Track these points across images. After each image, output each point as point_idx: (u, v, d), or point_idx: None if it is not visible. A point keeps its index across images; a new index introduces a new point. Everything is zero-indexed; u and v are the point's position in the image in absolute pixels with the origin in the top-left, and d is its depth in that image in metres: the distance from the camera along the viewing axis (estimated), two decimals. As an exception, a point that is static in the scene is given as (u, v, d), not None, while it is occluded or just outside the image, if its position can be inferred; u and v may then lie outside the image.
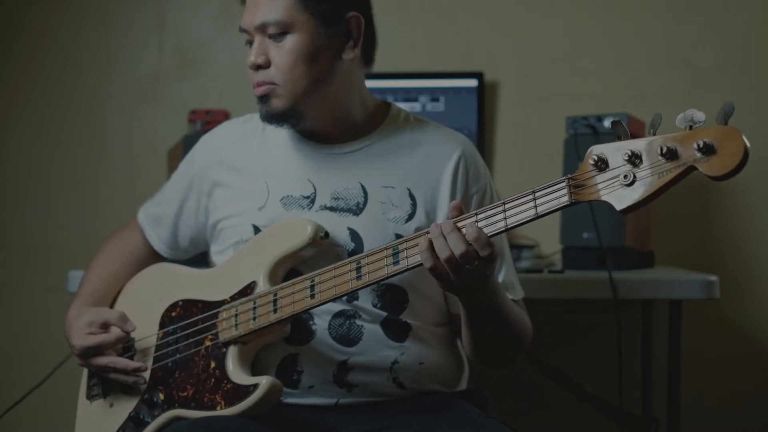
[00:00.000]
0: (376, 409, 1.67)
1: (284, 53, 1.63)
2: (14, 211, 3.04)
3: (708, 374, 2.85)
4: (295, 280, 1.60)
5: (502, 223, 1.42)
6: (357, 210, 1.69)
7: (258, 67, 1.65)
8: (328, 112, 1.69)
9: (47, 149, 3.03)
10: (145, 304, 1.81)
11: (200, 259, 2.07)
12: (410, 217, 1.69)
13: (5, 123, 3.05)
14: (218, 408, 1.61)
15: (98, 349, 1.73)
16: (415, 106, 2.79)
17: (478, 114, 2.82)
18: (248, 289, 1.66)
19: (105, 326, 1.75)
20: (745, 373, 2.86)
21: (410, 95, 2.81)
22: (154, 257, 1.93)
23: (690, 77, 2.86)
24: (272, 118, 1.67)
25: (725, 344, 2.86)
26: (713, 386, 2.86)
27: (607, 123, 2.41)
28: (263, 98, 1.67)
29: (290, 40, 1.63)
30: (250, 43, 1.68)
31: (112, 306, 1.86)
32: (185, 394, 1.67)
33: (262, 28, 1.64)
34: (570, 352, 2.83)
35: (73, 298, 1.84)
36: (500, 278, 1.71)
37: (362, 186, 1.70)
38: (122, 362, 1.73)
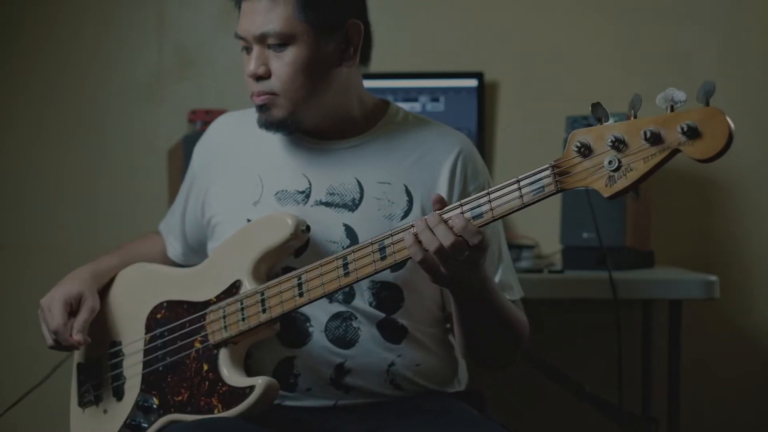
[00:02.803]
0: (375, 410, 1.66)
1: (285, 64, 1.62)
2: (14, 211, 3.04)
3: (708, 374, 2.85)
4: (281, 278, 1.59)
5: (489, 214, 1.41)
6: (353, 206, 1.68)
7: (258, 77, 1.64)
8: (326, 114, 1.69)
9: (47, 149, 3.03)
10: (128, 306, 1.79)
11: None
12: (406, 213, 1.68)
13: (5, 123, 3.05)
14: (216, 411, 1.60)
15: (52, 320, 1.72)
16: (415, 106, 2.79)
17: (478, 114, 2.82)
18: (234, 288, 1.64)
19: (76, 308, 1.74)
20: (745, 373, 2.86)
21: (410, 95, 2.81)
22: (172, 263, 1.93)
23: (690, 77, 2.86)
24: (270, 125, 1.67)
25: (725, 344, 2.86)
26: (713, 386, 2.86)
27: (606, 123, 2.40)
28: (262, 107, 1.66)
29: (291, 52, 1.62)
30: (246, 48, 1.67)
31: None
32: (180, 398, 1.66)
33: (261, 39, 1.63)
34: (570, 352, 2.83)
35: (92, 258, 1.85)
36: (497, 278, 1.70)
37: (358, 181, 1.69)
38: (69, 340, 1.70)
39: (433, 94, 2.81)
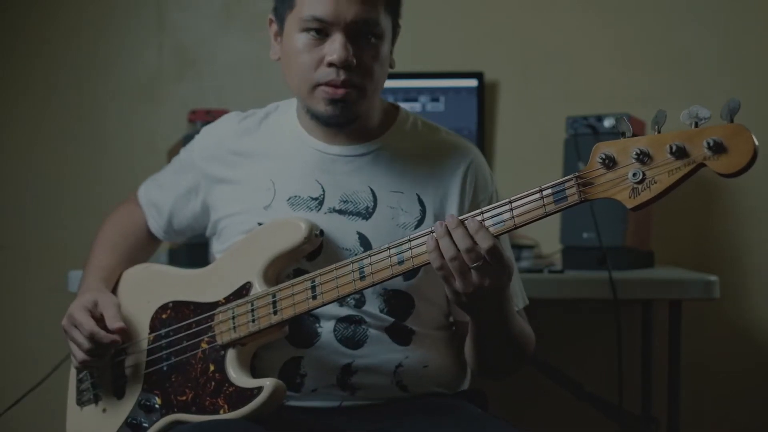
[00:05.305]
0: (380, 411, 1.66)
1: (373, 58, 1.61)
2: (14, 211, 3.04)
3: (708, 374, 2.85)
4: (294, 280, 1.58)
5: (511, 222, 1.42)
6: (366, 214, 1.67)
7: (347, 67, 1.59)
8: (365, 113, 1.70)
9: (47, 149, 3.03)
10: (132, 306, 1.77)
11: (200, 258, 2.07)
12: (419, 222, 1.68)
13: (5, 123, 3.05)
14: (221, 412, 1.59)
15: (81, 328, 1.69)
16: (415, 106, 2.79)
17: (478, 114, 2.82)
18: (244, 290, 1.63)
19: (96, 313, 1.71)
20: (745, 373, 2.87)
21: (410, 95, 2.81)
22: (153, 237, 1.93)
23: (690, 77, 2.87)
24: (345, 122, 1.65)
25: (725, 344, 2.87)
26: (713, 386, 2.86)
27: (607, 123, 2.41)
28: (339, 101, 1.61)
29: (379, 47, 1.61)
30: (316, 32, 1.59)
31: None
32: (184, 398, 1.65)
33: (354, 26, 1.58)
34: (570, 352, 2.83)
35: (86, 268, 1.83)
36: None
37: (371, 190, 1.69)
38: (107, 335, 1.67)
39: (433, 94, 2.81)
